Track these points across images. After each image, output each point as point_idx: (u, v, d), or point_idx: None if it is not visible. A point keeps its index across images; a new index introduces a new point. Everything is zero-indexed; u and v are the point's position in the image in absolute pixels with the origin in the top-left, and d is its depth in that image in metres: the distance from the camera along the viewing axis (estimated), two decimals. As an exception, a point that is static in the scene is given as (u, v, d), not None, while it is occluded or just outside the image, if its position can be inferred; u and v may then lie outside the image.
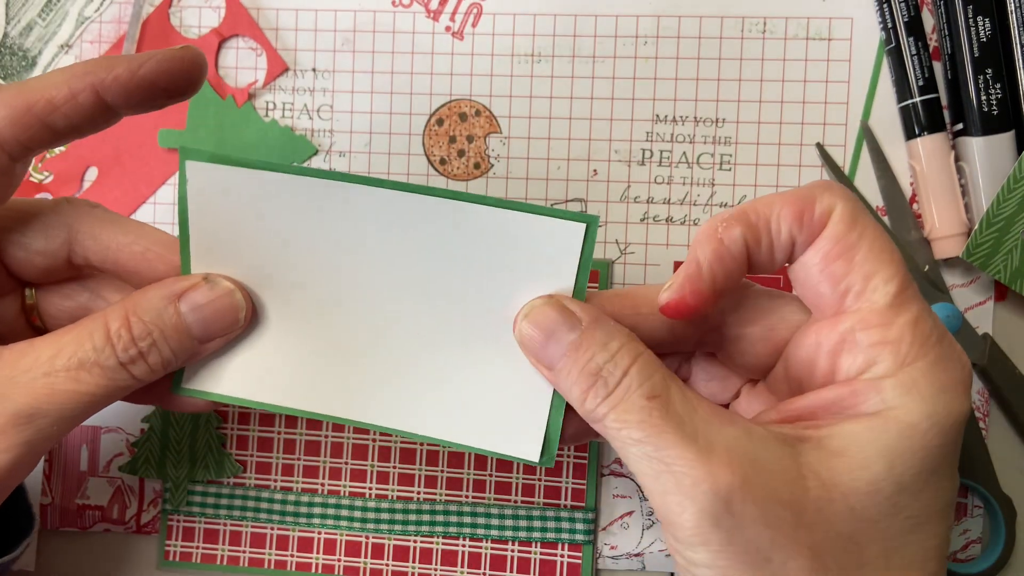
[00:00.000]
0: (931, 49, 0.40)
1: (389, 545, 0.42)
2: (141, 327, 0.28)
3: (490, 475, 0.41)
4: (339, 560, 0.42)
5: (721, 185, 0.41)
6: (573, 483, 0.41)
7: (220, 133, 0.43)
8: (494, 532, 0.41)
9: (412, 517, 0.42)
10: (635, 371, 0.25)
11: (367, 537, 0.42)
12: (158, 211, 0.44)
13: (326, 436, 0.42)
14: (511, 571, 0.41)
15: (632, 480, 0.41)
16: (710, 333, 0.28)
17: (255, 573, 0.43)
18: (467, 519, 0.41)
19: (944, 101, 0.40)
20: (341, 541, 0.42)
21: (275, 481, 0.42)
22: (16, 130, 0.27)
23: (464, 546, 0.41)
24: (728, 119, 0.41)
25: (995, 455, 0.39)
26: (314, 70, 0.43)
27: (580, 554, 0.41)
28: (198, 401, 0.30)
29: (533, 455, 0.28)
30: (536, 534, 0.41)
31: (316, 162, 0.43)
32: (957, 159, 0.39)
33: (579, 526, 0.41)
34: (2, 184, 0.28)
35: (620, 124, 0.42)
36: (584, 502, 0.41)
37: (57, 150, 0.44)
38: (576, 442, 0.31)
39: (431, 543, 0.42)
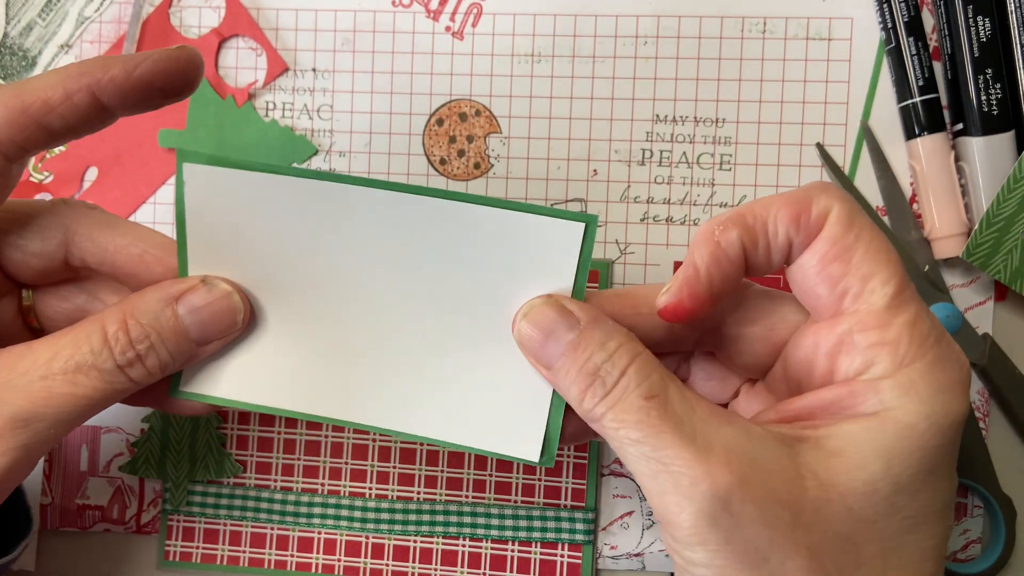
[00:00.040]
0: (931, 49, 0.40)
1: (389, 545, 0.42)
2: (139, 330, 0.27)
3: (490, 475, 0.41)
4: (339, 560, 0.42)
5: (721, 185, 0.41)
6: (573, 483, 0.41)
7: (220, 133, 0.43)
8: (494, 532, 0.41)
9: (412, 517, 0.42)
10: (633, 371, 0.25)
11: (367, 537, 0.42)
12: (158, 211, 0.44)
13: (326, 436, 0.42)
14: (511, 571, 0.41)
15: (632, 480, 0.41)
16: (709, 333, 0.28)
17: (255, 573, 0.43)
18: (467, 519, 0.41)
19: (944, 101, 0.40)
20: (341, 541, 0.42)
21: (275, 481, 0.42)
22: (12, 131, 0.27)
23: (464, 546, 0.41)
24: (728, 119, 0.41)
25: (995, 455, 0.39)
26: (314, 70, 0.43)
27: (580, 554, 0.41)
28: (196, 404, 0.30)
29: (533, 455, 0.28)
30: (536, 534, 0.41)
31: (316, 162, 0.43)
32: (957, 159, 0.39)
33: (579, 526, 0.41)
34: None
35: (620, 124, 0.41)
36: (584, 502, 0.41)
37: (57, 150, 0.44)
38: (576, 442, 0.31)
39: (431, 543, 0.42)
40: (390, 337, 0.29)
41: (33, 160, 0.44)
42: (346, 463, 0.42)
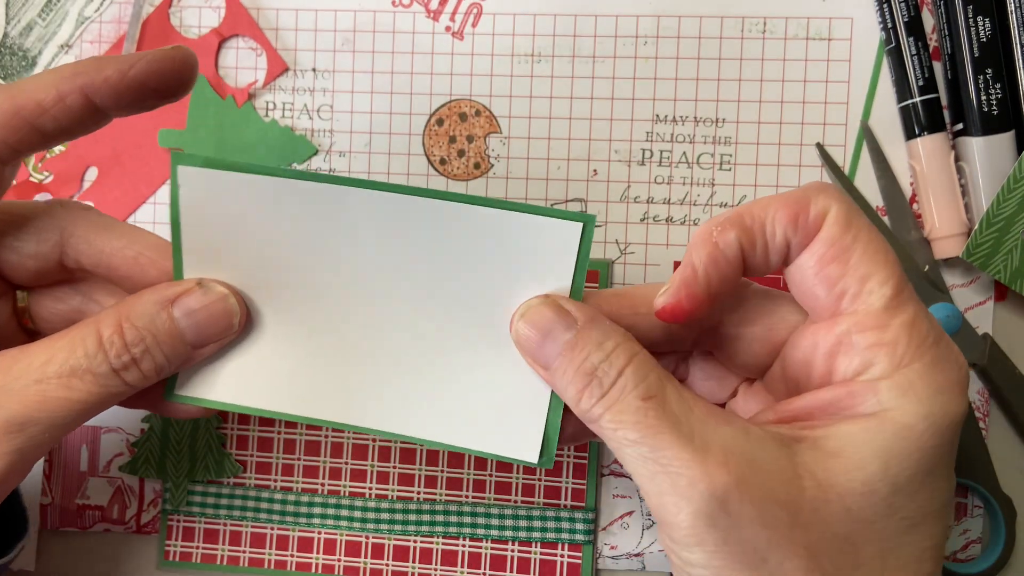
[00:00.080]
0: (931, 49, 0.40)
1: (389, 545, 0.42)
2: (134, 333, 0.27)
3: (490, 475, 0.41)
4: (339, 560, 0.42)
5: (721, 185, 0.41)
6: (573, 483, 0.41)
7: (220, 133, 0.43)
8: (494, 532, 0.41)
9: (412, 517, 0.42)
10: (630, 371, 0.25)
11: (367, 537, 0.42)
12: (158, 211, 0.44)
13: (326, 436, 0.42)
14: (511, 571, 0.41)
15: (632, 480, 0.41)
16: (708, 333, 0.28)
17: (255, 573, 0.43)
18: (467, 519, 0.41)
19: (944, 101, 0.40)
20: (341, 541, 0.42)
21: (275, 481, 0.42)
22: (4, 133, 0.26)
23: (464, 546, 0.42)
24: (728, 119, 0.41)
25: (995, 455, 0.39)
26: (314, 70, 0.43)
27: (580, 554, 0.41)
28: (191, 407, 0.30)
29: (532, 456, 0.28)
30: (536, 534, 0.41)
31: (316, 162, 0.43)
32: (957, 159, 0.39)
33: (579, 526, 0.41)
34: None
35: (620, 124, 0.41)
36: (584, 502, 0.41)
37: (57, 150, 0.44)
38: (575, 442, 0.30)
39: (431, 543, 0.42)
40: (387, 339, 0.29)
41: (33, 160, 0.44)
42: (346, 463, 0.42)
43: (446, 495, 0.42)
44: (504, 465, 0.41)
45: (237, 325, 0.29)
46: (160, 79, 0.27)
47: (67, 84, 0.26)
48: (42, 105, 0.26)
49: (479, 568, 0.41)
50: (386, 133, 0.43)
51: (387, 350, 0.29)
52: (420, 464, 0.42)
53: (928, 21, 0.40)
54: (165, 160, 0.43)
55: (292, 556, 0.42)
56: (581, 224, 0.26)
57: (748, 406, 0.29)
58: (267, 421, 0.43)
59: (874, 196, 0.40)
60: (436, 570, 0.42)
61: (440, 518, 0.41)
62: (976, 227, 0.38)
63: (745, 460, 0.23)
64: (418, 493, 0.42)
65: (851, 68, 0.40)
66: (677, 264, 0.41)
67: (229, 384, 0.30)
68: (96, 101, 0.27)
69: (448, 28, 0.42)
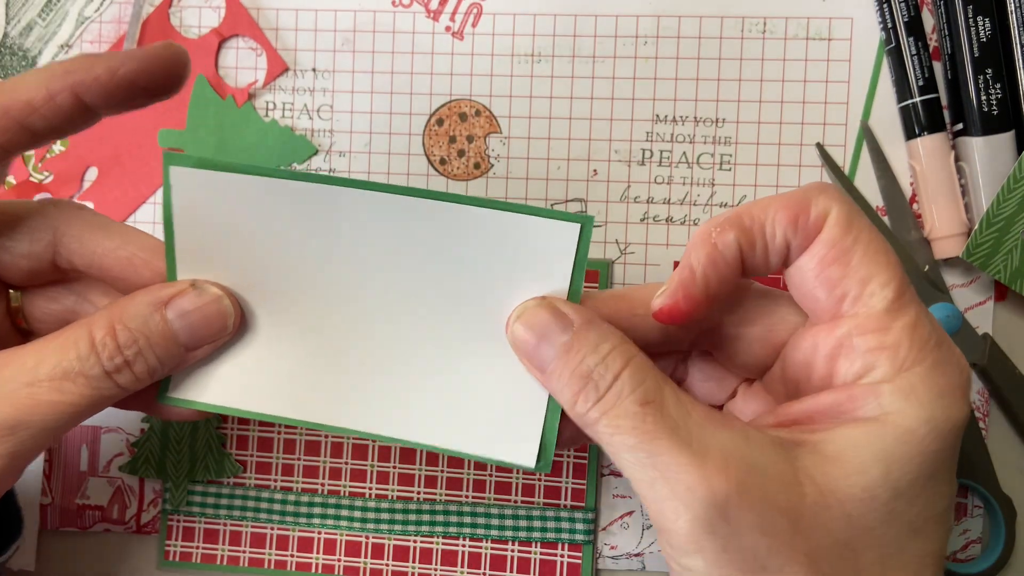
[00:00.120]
0: (931, 49, 0.40)
1: (389, 545, 0.42)
2: (127, 335, 0.27)
3: (490, 475, 0.41)
4: (339, 560, 0.42)
5: (721, 185, 0.41)
6: (573, 483, 0.41)
7: (220, 133, 0.43)
8: (494, 532, 0.41)
9: (412, 517, 0.42)
10: (627, 375, 0.24)
11: (367, 537, 0.42)
12: (158, 211, 0.44)
13: (326, 436, 0.42)
14: (511, 571, 0.41)
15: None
16: (707, 334, 0.28)
17: (255, 573, 0.43)
18: (467, 519, 0.41)
19: (944, 101, 0.40)
20: (341, 541, 0.42)
21: (275, 481, 0.42)
22: None
23: (464, 546, 0.42)
24: (728, 119, 0.41)
25: (995, 455, 0.39)
26: (314, 70, 0.43)
27: (580, 554, 0.41)
28: (184, 410, 0.30)
29: (529, 461, 0.28)
30: (536, 534, 0.41)
31: (316, 162, 0.43)
32: (957, 159, 0.39)
33: (579, 526, 0.41)
34: None
35: (620, 124, 0.41)
36: (584, 502, 0.41)
37: (57, 150, 0.44)
38: (573, 446, 0.30)
39: (431, 543, 0.42)
40: (383, 341, 0.28)
41: (33, 160, 0.44)
42: (346, 463, 0.42)
43: (446, 495, 0.42)
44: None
45: (231, 327, 0.28)
46: (151, 77, 0.26)
47: (57, 83, 0.26)
48: (32, 104, 0.26)
49: (479, 568, 0.41)
50: (386, 133, 0.43)
51: (383, 352, 0.28)
52: (420, 464, 0.42)
53: (928, 21, 0.40)
54: (165, 160, 0.43)
55: (292, 556, 0.42)
56: (579, 225, 0.26)
57: (748, 407, 0.29)
58: (267, 421, 0.42)
59: (874, 196, 0.40)
60: (436, 570, 0.42)
61: (440, 518, 0.41)
62: (976, 227, 0.38)
63: (745, 466, 0.23)
64: (418, 493, 0.42)
65: (851, 68, 0.40)
66: (677, 264, 0.41)
67: (222, 386, 0.29)
68: (86, 100, 0.26)
69: (448, 28, 0.42)
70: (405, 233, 0.27)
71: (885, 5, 0.39)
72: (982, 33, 0.38)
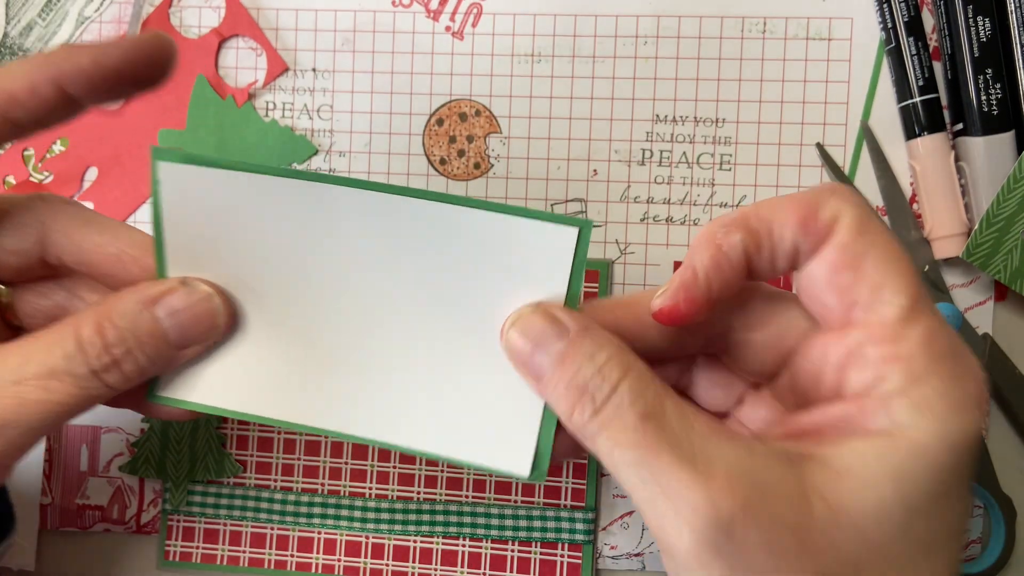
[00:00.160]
0: (931, 49, 0.40)
1: (389, 545, 0.42)
2: (115, 333, 0.26)
3: (490, 475, 0.41)
4: (339, 560, 0.42)
5: (721, 185, 0.41)
6: (573, 483, 0.41)
7: (220, 133, 0.43)
8: (494, 532, 0.41)
9: (412, 517, 0.42)
10: (626, 386, 0.23)
11: (367, 537, 0.42)
12: (158, 211, 0.44)
13: (326, 436, 0.42)
14: (511, 571, 0.41)
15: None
16: (714, 339, 0.27)
17: (255, 573, 0.43)
18: (467, 519, 0.41)
19: (944, 101, 0.40)
20: (341, 541, 0.42)
21: (275, 481, 0.42)
22: None
23: (464, 546, 0.42)
24: (728, 119, 0.41)
25: (995, 455, 0.39)
26: (314, 70, 0.43)
27: (580, 554, 0.41)
28: (175, 409, 0.29)
29: (523, 471, 0.27)
30: (536, 534, 0.41)
31: (316, 162, 0.43)
32: (957, 159, 0.39)
33: (579, 526, 0.41)
34: None
35: (620, 124, 0.41)
36: (584, 502, 0.41)
37: (57, 150, 0.44)
38: (569, 458, 0.29)
39: (431, 543, 0.42)
40: (376, 344, 0.27)
41: (33, 160, 0.44)
42: (346, 463, 0.42)
43: (446, 495, 0.42)
44: (504, 465, 0.41)
45: (222, 326, 0.28)
46: (135, 68, 0.26)
47: (40, 74, 0.25)
48: (14, 97, 0.25)
49: (479, 568, 0.41)
50: (386, 133, 0.43)
51: (375, 355, 0.28)
52: (420, 464, 0.42)
53: (928, 21, 0.40)
54: (165, 160, 0.43)
55: (292, 556, 0.42)
56: (577, 229, 0.25)
57: (756, 414, 0.28)
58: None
59: (874, 196, 0.40)
60: (436, 570, 0.42)
61: (440, 518, 0.41)
62: (976, 227, 0.38)
63: (750, 482, 0.22)
64: (418, 493, 0.42)
65: (851, 68, 0.40)
66: (678, 264, 0.41)
67: (213, 386, 0.29)
68: (71, 91, 0.25)
69: (448, 28, 0.42)
70: (399, 234, 0.26)
71: (885, 5, 0.39)
72: (982, 33, 0.38)
